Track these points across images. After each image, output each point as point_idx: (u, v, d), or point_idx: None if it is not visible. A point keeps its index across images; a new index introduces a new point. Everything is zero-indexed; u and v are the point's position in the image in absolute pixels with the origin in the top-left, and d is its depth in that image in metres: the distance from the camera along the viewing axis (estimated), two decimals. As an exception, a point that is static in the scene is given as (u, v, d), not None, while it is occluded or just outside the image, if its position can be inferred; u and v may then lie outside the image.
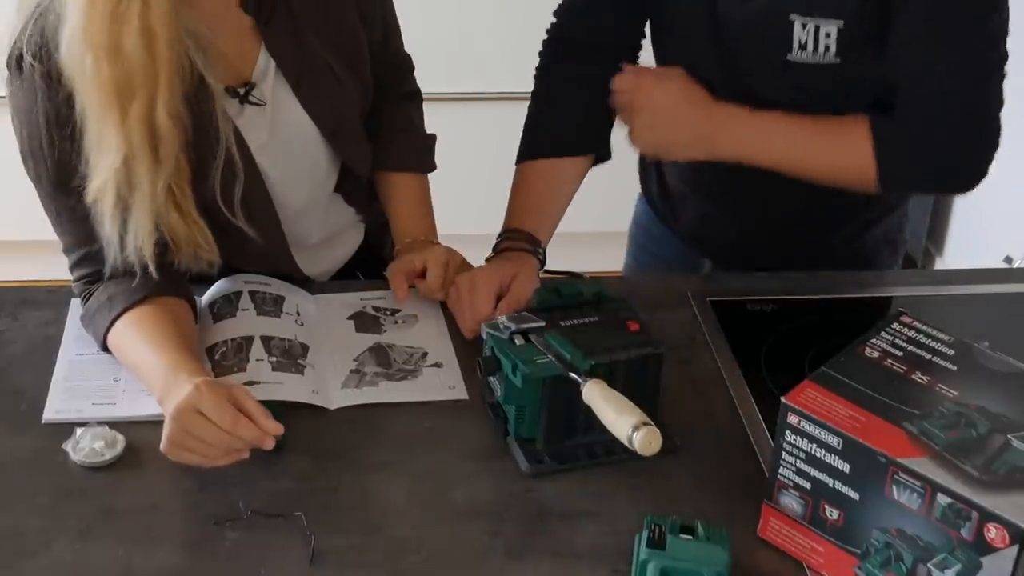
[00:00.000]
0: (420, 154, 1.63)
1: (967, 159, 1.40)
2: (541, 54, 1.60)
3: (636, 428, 1.07)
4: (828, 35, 1.37)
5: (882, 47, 1.36)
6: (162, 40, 1.19)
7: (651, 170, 1.75)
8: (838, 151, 1.42)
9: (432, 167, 1.63)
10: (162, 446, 1.17)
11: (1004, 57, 1.35)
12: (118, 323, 1.33)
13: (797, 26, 1.38)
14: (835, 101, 1.43)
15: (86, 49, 1.18)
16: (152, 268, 1.29)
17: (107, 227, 1.26)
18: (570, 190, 1.60)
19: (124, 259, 1.28)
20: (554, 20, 1.59)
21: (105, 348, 1.35)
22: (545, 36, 1.60)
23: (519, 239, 1.52)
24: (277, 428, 1.16)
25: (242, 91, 1.39)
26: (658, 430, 1.07)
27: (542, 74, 1.60)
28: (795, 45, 1.39)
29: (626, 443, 1.08)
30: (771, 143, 1.42)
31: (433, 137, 1.64)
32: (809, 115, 1.42)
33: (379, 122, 1.58)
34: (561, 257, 1.59)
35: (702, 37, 1.46)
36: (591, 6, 1.56)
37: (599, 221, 2.33)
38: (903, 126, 1.38)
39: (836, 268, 1.61)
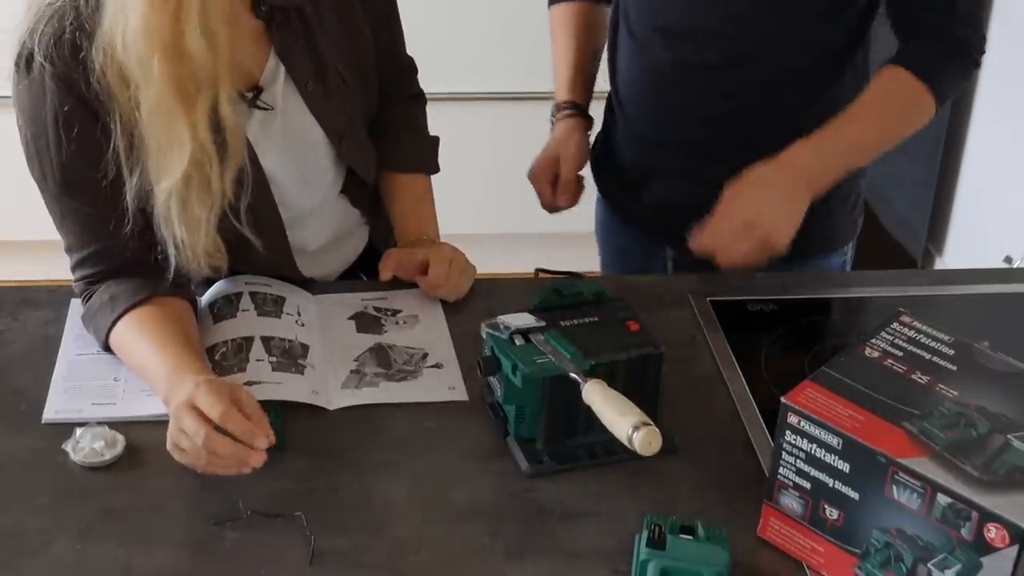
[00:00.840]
0: (424, 155, 1.63)
1: (977, 47, 1.55)
2: None
3: (636, 428, 1.07)
4: None
5: None
6: (223, 38, 1.20)
7: (605, 166, 1.77)
8: (911, 115, 1.53)
9: (436, 168, 1.64)
10: (167, 445, 1.18)
11: None
12: (120, 323, 1.33)
13: None
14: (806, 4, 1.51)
15: (150, 49, 1.18)
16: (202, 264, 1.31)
17: (176, 229, 1.27)
18: (602, 34, 1.72)
19: (185, 260, 1.29)
20: None
21: (107, 348, 1.36)
22: None
23: (565, 110, 1.72)
24: (269, 431, 1.15)
25: (250, 95, 1.38)
26: (658, 430, 1.07)
27: None
28: None
29: (626, 443, 1.08)
30: (857, 152, 1.52)
31: (436, 139, 1.65)
32: (862, 101, 1.50)
33: (384, 123, 1.58)
34: (560, 257, 1.59)
35: None
36: None
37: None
38: (931, 49, 1.51)
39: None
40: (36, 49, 1.25)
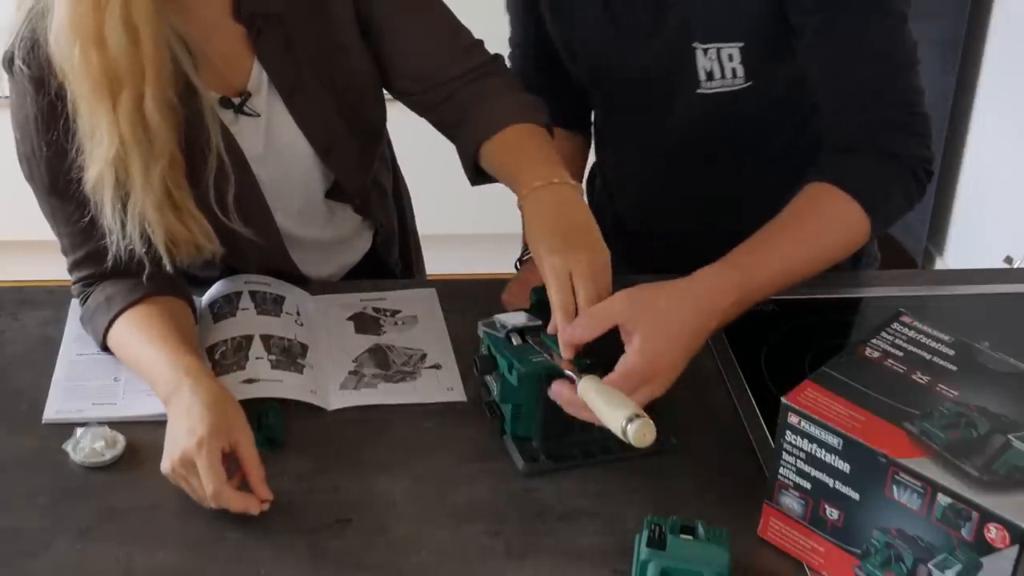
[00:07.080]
0: (525, 109, 1.41)
1: (919, 159, 1.37)
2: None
3: (630, 420, 1.06)
4: (731, 58, 1.37)
5: (791, 59, 1.37)
6: (145, 35, 1.20)
7: (606, 209, 1.73)
8: (840, 232, 1.33)
9: (546, 119, 1.40)
10: (163, 468, 1.17)
11: (914, 46, 1.34)
12: (117, 323, 1.33)
13: (699, 54, 1.37)
14: (755, 124, 1.43)
15: (73, 39, 1.19)
16: (166, 259, 1.30)
17: (108, 216, 1.27)
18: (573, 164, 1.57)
19: (126, 248, 1.28)
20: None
21: (105, 348, 1.36)
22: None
23: None
24: (267, 495, 1.15)
25: (236, 101, 1.38)
26: (651, 421, 1.07)
27: None
28: (702, 75, 1.39)
29: (620, 435, 1.07)
30: (784, 276, 1.29)
31: (539, 99, 1.44)
32: (792, 215, 1.30)
33: (457, 109, 1.44)
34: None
35: (615, 77, 1.46)
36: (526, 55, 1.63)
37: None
38: (862, 160, 1.34)
39: None
40: (16, 52, 1.26)
